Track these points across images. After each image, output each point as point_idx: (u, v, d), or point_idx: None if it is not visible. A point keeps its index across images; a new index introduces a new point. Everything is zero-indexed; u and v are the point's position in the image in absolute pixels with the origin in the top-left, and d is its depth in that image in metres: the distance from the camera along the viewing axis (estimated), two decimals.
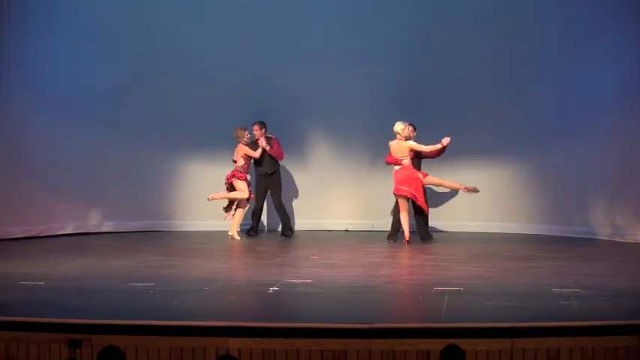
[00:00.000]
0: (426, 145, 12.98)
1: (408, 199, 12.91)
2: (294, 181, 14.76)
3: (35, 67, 13.66)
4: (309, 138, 14.73)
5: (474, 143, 14.03)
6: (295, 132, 14.49)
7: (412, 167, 12.91)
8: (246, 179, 13.48)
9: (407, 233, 12.88)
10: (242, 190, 13.43)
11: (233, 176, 13.43)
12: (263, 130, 13.73)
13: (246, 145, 13.59)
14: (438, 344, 6.80)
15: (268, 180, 13.86)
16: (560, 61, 13.71)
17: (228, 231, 13.54)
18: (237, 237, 13.47)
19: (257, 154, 13.59)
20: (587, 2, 13.51)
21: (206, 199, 13.54)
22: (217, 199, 13.54)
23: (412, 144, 12.91)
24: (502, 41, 13.99)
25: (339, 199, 14.62)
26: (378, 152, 13.71)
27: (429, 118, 13.77)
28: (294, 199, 14.78)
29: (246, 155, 13.55)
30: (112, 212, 14.35)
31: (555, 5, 13.80)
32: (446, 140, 12.85)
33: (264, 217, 14.47)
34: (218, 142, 13.86)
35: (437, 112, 13.98)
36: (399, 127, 12.93)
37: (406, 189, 12.84)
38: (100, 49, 14.19)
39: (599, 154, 13.25)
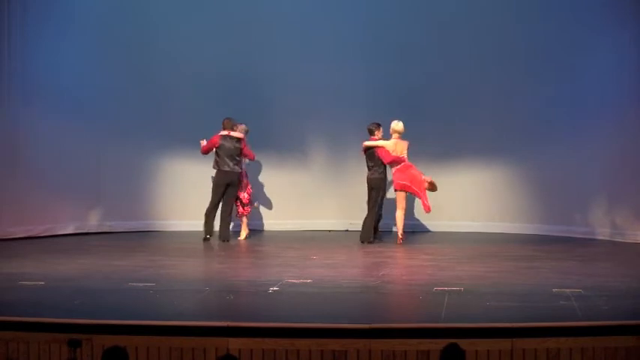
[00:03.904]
0: None
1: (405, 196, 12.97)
2: (294, 181, 14.75)
3: (35, 67, 13.65)
4: (309, 138, 14.73)
5: (474, 143, 14.04)
6: (295, 132, 14.49)
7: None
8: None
9: (400, 232, 12.90)
10: None
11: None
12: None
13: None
14: (438, 344, 6.79)
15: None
16: (561, 61, 13.71)
17: (239, 235, 13.55)
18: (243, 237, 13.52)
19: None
20: (587, 2, 13.51)
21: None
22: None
23: (408, 143, 12.98)
24: (502, 41, 13.99)
25: (339, 199, 14.61)
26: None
27: (430, 118, 13.79)
28: (295, 199, 14.76)
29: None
30: (112, 212, 14.36)
31: (554, 5, 13.80)
32: None
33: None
34: None
35: (437, 112, 13.98)
36: (401, 125, 12.96)
37: (411, 186, 12.89)
38: (100, 50, 14.20)
39: (600, 155, 13.25)
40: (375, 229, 13.16)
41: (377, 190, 13.09)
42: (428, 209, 12.95)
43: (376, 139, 13.09)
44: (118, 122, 14.25)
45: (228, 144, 13.24)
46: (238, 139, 13.28)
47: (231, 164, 13.26)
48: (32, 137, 13.60)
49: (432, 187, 12.93)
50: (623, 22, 13.03)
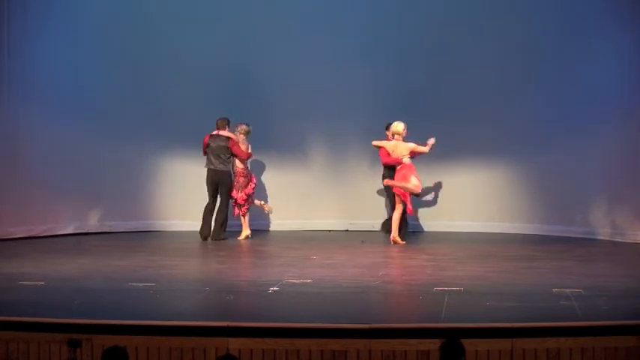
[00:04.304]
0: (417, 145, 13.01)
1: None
2: (294, 181, 14.76)
3: (35, 67, 13.66)
4: (309, 138, 14.73)
5: (474, 143, 14.04)
6: (295, 132, 14.49)
7: (410, 166, 12.89)
8: None
9: (393, 233, 12.90)
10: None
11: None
12: None
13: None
14: (437, 344, 6.77)
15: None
16: (561, 62, 13.71)
17: (240, 235, 13.54)
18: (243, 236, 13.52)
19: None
20: (588, 3, 13.51)
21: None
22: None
23: (413, 145, 12.90)
24: (502, 42, 13.99)
25: (339, 199, 14.62)
26: (379, 152, 13.74)
27: (429, 118, 13.78)
28: (295, 199, 14.77)
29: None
30: (112, 212, 14.36)
31: (555, 6, 13.79)
32: (431, 141, 12.83)
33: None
34: None
35: (437, 112, 13.98)
36: (400, 127, 12.94)
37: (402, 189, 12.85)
38: (100, 50, 14.20)
39: (600, 154, 13.26)
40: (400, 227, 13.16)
41: (386, 188, 13.20)
42: (410, 212, 12.97)
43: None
44: (118, 122, 14.25)
45: (213, 143, 13.33)
46: (227, 138, 13.31)
47: (215, 162, 13.33)
48: (32, 137, 13.60)
49: (406, 190, 12.87)
50: (622, 24, 13.02)
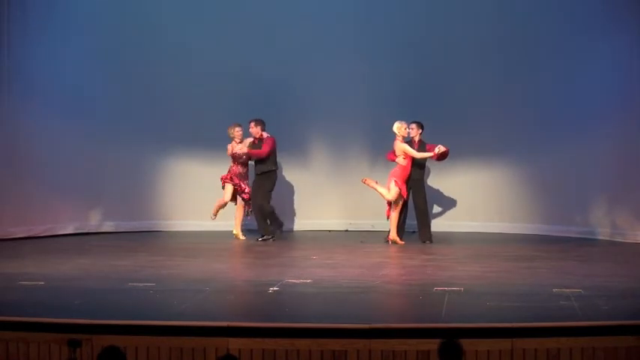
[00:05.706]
0: (420, 150, 12.98)
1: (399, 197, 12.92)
2: (294, 181, 14.77)
3: (35, 67, 13.66)
4: (309, 138, 14.72)
5: (474, 143, 14.05)
6: (295, 132, 14.48)
7: (402, 168, 12.86)
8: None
9: (390, 234, 12.90)
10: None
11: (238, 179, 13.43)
12: (259, 128, 13.54)
13: (241, 142, 13.48)
14: (437, 344, 6.78)
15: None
16: (561, 62, 13.72)
17: (232, 230, 13.52)
18: (241, 236, 13.47)
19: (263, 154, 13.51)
20: (589, 4, 13.51)
21: (210, 213, 13.52)
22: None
23: (404, 147, 12.89)
24: (503, 41, 14.00)
25: (339, 199, 14.62)
26: (379, 152, 13.74)
27: (429, 118, 13.74)
28: (295, 199, 14.78)
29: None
30: (112, 212, 14.36)
31: (557, 6, 13.80)
32: (439, 149, 12.79)
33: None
34: (218, 142, 13.83)
35: (437, 112, 13.97)
36: (395, 126, 12.94)
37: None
38: (100, 50, 14.19)
39: (600, 154, 13.25)
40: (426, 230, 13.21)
41: None
42: (387, 214, 13.00)
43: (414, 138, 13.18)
44: (119, 122, 14.25)
45: None
46: None
47: None
48: (33, 137, 13.61)
49: (379, 192, 12.94)
50: (622, 24, 13.03)
